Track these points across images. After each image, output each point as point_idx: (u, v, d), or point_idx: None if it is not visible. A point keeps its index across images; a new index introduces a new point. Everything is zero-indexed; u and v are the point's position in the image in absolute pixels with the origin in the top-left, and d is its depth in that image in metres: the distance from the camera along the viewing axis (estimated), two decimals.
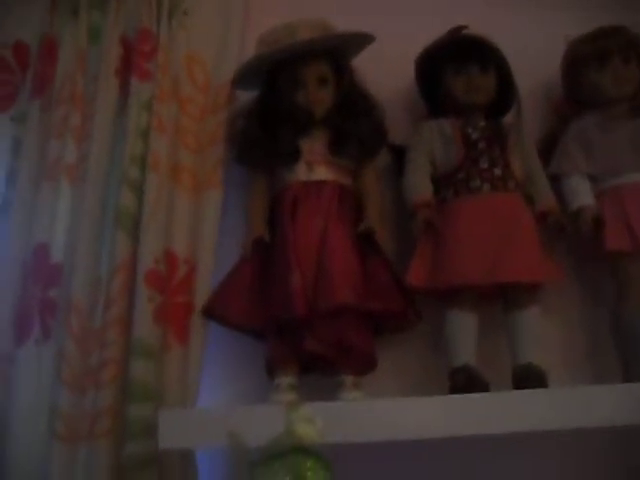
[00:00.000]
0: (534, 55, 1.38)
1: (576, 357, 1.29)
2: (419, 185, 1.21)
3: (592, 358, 1.29)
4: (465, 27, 1.25)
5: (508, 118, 1.29)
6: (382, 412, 1.06)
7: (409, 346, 1.26)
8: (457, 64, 1.24)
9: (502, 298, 1.19)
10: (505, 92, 1.27)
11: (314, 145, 1.23)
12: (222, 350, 1.25)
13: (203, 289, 1.22)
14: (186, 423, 1.07)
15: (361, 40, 1.28)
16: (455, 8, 1.41)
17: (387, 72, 1.36)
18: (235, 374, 1.26)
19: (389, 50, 1.35)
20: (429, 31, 1.29)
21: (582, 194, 1.24)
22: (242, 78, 1.29)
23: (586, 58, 1.28)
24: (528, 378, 1.12)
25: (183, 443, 1.07)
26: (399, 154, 1.28)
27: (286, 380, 1.15)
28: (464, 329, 1.16)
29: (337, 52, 1.27)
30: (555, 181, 1.27)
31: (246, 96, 1.32)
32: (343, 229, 1.18)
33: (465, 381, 1.13)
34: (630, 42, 1.27)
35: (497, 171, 1.20)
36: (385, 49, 1.34)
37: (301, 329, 1.14)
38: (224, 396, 1.25)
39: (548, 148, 1.30)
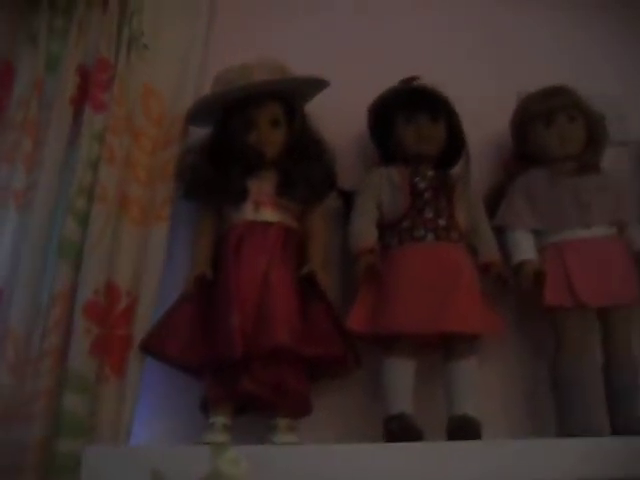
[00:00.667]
0: (488, 110, 1.42)
1: (515, 409, 1.30)
2: (364, 231, 1.22)
3: (531, 411, 1.30)
4: (417, 77, 1.28)
5: (456, 170, 1.30)
6: (312, 458, 1.06)
7: (347, 392, 1.26)
8: (408, 113, 1.26)
9: (442, 347, 1.20)
10: (454, 143, 1.29)
11: (263, 186, 1.24)
12: (159, 387, 1.24)
13: (143, 323, 1.21)
14: (112, 461, 1.05)
15: (315, 85, 1.30)
16: (408, 57, 1.44)
17: (341, 118, 1.38)
18: (171, 412, 1.24)
19: (343, 96, 1.36)
20: (383, 78, 1.31)
21: (525, 248, 1.26)
22: (196, 115, 1.30)
23: (533, 116, 1.31)
24: (463, 429, 1.13)
25: None
26: (348, 199, 1.29)
27: (220, 420, 1.14)
28: (401, 377, 1.16)
29: (291, 95, 1.29)
30: (500, 234, 1.29)
31: (200, 132, 1.33)
32: (286, 271, 1.19)
33: (400, 430, 1.13)
34: (576, 102, 1.30)
35: (441, 221, 1.22)
36: (340, 95, 1.35)
37: (239, 369, 1.13)
38: (158, 433, 1.23)
39: (494, 201, 1.32)
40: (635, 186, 1.45)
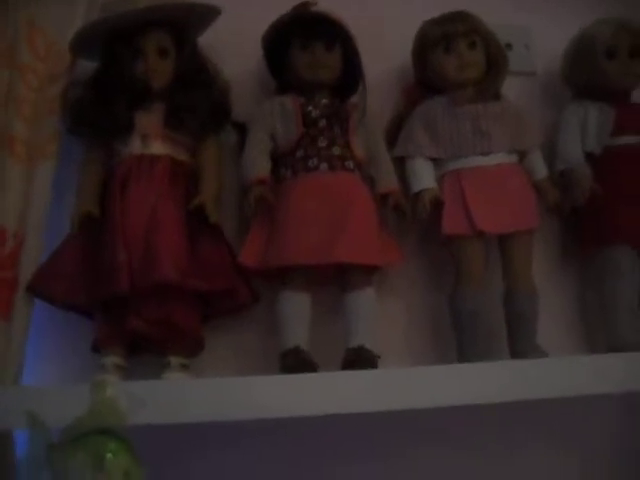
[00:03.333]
0: (391, 37, 1.38)
1: (416, 340, 1.29)
2: (255, 162, 1.18)
3: (433, 341, 1.29)
4: (312, 3, 1.23)
5: (354, 99, 1.26)
6: (200, 391, 1.02)
7: (245, 328, 1.23)
8: (303, 40, 1.21)
9: (337, 279, 1.17)
10: (351, 72, 1.25)
11: (150, 118, 1.18)
12: (50, 328, 1.20)
13: (30, 265, 1.15)
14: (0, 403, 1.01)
15: (206, 13, 1.24)
16: None
17: (240, 49, 1.33)
18: (63, 353, 1.20)
19: (242, 25, 1.31)
20: (280, 7, 1.26)
21: (424, 177, 1.23)
22: (80, 46, 1.23)
23: (432, 42, 1.27)
24: (357, 361, 1.10)
25: None
26: (243, 131, 1.24)
27: (111, 360, 1.11)
28: (296, 310, 1.14)
29: (181, 23, 1.23)
30: (400, 164, 1.26)
31: (89, 67, 1.27)
32: (175, 205, 1.14)
33: (294, 363, 1.10)
34: (476, 28, 1.27)
35: (336, 150, 1.18)
36: (238, 24, 1.30)
37: (127, 308, 1.09)
38: (51, 377, 1.19)
39: (395, 131, 1.29)
40: (540, 115, 1.44)
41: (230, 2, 1.27)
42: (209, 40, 1.28)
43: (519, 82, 1.46)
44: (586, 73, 1.34)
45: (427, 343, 1.29)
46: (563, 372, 1.13)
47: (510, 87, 1.40)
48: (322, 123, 1.19)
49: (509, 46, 1.45)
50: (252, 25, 1.28)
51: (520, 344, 1.20)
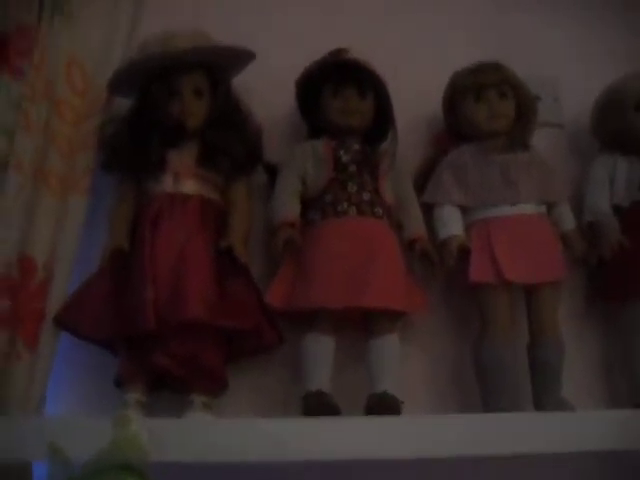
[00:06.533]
0: (423, 85, 1.40)
1: (440, 388, 1.28)
2: (285, 204, 1.19)
3: (456, 389, 1.28)
4: (346, 50, 1.25)
5: (385, 145, 1.28)
6: (223, 432, 1.02)
7: (270, 370, 1.23)
8: (335, 86, 1.24)
9: (363, 324, 1.17)
10: (382, 119, 1.27)
11: (183, 157, 1.20)
12: (74, 360, 1.20)
13: (58, 297, 1.16)
14: (21, 433, 1.01)
15: (241, 55, 1.26)
16: (340, 29, 1.42)
17: (274, 91, 1.35)
18: (86, 385, 1.20)
19: (274, 70, 1.34)
20: (314, 53, 1.28)
21: (451, 224, 1.24)
22: (118, 84, 1.25)
23: (464, 91, 1.29)
24: (381, 406, 1.10)
25: (14, 453, 1.01)
26: (274, 173, 1.26)
27: (134, 396, 1.11)
28: (320, 353, 1.14)
29: (216, 65, 1.25)
30: (428, 210, 1.27)
31: (126, 104, 1.29)
32: (205, 244, 1.15)
33: (317, 405, 1.10)
34: (507, 79, 1.29)
35: (365, 195, 1.19)
36: (272, 67, 1.33)
37: (152, 344, 1.10)
38: (73, 407, 1.19)
39: (424, 177, 1.30)
40: (568, 167, 1.45)
41: (264, 46, 1.30)
42: (243, 82, 1.30)
43: (547, 134, 1.48)
44: (615, 125, 1.36)
45: (449, 392, 1.28)
46: (586, 426, 1.12)
47: (538, 138, 1.42)
48: (352, 168, 1.20)
49: (538, 98, 1.46)
50: (285, 69, 1.31)
51: (545, 396, 1.19)
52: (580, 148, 1.48)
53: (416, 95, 1.37)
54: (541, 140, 1.44)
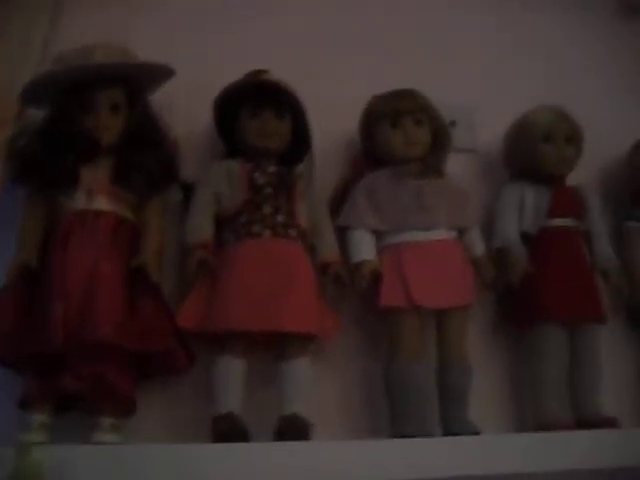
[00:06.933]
0: (342, 110, 1.40)
1: (351, 411, 1.29)
2: (198, 225, 1.19)
3: (367, 412, 1.29)
4: (265, 71, 1.25)
5: (302, 167, 1.29)
6: (130, 457, 1.01)
7: (181, 391, 1.21)
8: (253, 108, 1.24)
9: (274, 347, 1.18)
10: (300, 140, 1.27)
11: (97, 173, 1.18)
12: None
13: None
14: None
15: (160, 72, 1.25)
16: (261, 47, 1.43)
17: (192, 110, 1.34)
18: None
19: (194, 87, 1.33)
20: (234, 72, 1.28)
21: (364, 248, 1.25)
22: (31, 95, 1.22)
23: (380, 117, 1.31)
24: (290, 428, 1.10)
25: None
26: (190, 192, 1.25)
27: (39, 418, 1.08)
28: (231, 376, 1.13)
29: (134, 81, 1.24)
30: (343, 234, 1.28)
31: (38, 115, 1.26)
32: (117, 263, 1.13)
33: (227, 429, 1.09)
34: (422, 106, 1.31)
35: (280, 218, 1.20)
36: (190, 86, 1.32)
37: (60, 365, 1.07)
38: None
39: (340, 201, 1.31)
40: (481, 192, 1.48)
41: (184, 63, 1.28)
42: (161, 99, 1.29)
43: (461, 159, 1.51)
44: (524, 156, 1.40)
45: (362, 415, 1.29)
46: (492, 449, 1.15)
47: (452, 163, 1.45)
48: (268, 190, 1.21)
49: (453, 123, 1.50)
50: (205, 87, 1.30)
51: (451, 419, 1.22)
52: (493, 173, 1.52)
53: (334, 117, 1.37)
54: (455, 165, 1.47)
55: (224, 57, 1.40)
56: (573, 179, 1.46)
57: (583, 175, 1.56)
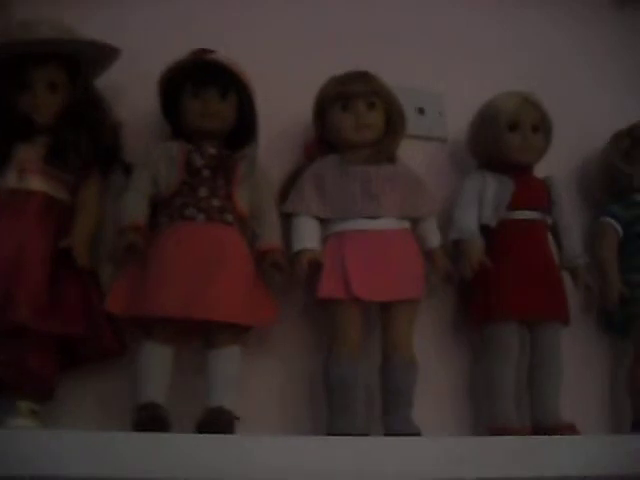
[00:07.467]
0: (296, 93, 1.35)
1: (294, 405, 1.24)
2: (132, 207, 1.14)
3: (306, 408, 1.24)
4: (210, 50, 1.20)
5: (245, 150, 1.23)
6: (46, 443, 0.97)
7: (112, 378, 1.17)
8: (195, 87, 1.19)
9: (203, 335, 1.13)
10: (246, 122, 1.23)
11: (30, 152, 1.14)
12: None
13: None
14: None
15: (104, 51, 1.21)
16: (210, 29, 1.37)
17: (140, 91, 1.28)
18: None
19: (142, 67, 1.28)
20: (183, 51, 1.23)
21: (306, 236, 1.20)
22: None
23: (331, 100, 1.25)
24: (213, 422, 1.06)
25: None
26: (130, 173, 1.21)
27: None
28: (156, 364, 1.09)
29: (76, 59, 1.20)
30: (289, 221, 1.23)
31: None
32: (44, 244, 1.10)
33: (147, 418, 1.05)
34: (376, 89, 1.25)
35: (216, 202, 1.15)
36: (138, 67, 1.28)
37: None
38: None
39: (289, 187, 1.26)
40: (450, 181, 1.42)
41: (132, 43, 1.25)
42: (109, 80, 1.26)
43: (431, 148, 1.46)
44: (488, 144, 1.33)
45: (303, 408, 1.24)
46: (436, 452, 1.09)
47: (421, 152, 1.41)
48: (205, 173, 1.16)
49: (422, 111, 1.44)
50: (153, 67, 1.25)
51: (392, 418, 1.16)
52: (462, 163, 1.45)
53: (288, 100, 1.33)
54: (424, 154, 1.43)
55: (175, 40, 1.35)
56: (552, 172, 1.39)
57: (564, 168, 1.50)
